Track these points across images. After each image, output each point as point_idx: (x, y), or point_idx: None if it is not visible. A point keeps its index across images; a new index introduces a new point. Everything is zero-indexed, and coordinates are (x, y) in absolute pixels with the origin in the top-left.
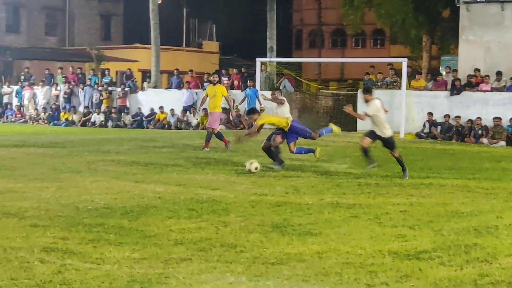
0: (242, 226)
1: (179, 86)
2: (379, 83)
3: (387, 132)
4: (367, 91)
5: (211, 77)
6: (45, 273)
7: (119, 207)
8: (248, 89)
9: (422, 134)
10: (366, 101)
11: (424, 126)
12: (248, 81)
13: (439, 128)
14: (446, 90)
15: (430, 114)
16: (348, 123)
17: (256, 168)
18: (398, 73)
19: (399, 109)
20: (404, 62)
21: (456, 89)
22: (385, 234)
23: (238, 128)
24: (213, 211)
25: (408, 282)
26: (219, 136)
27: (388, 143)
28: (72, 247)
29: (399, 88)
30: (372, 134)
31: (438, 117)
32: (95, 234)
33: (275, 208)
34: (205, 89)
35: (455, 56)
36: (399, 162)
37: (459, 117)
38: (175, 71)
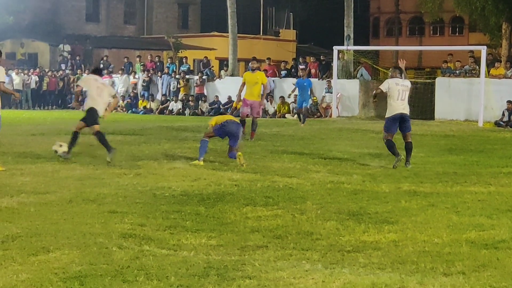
0: (319, 214)
1: None
2: (457, 71)
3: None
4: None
5: (250, 63)
6: (123, 258)
7: (196, 194)
8: (301, 79)
9: (501, 122)
10: None
11: (503, 114)
12: (301, 71)
13: None
14: None
15: (509, 102)
16: (426, 111)
17: (57, 152)
18: (477, 61)
19: (477, 98)
20: (483, 50)
21: None
22: (462, 223)
23: (315, 117)
24: (289, 198)
25: (485, 271)
26: (243, 124)
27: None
28: (150, 234)
29: (478, 76)
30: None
31: None
32: (172, 220)
33: (352, 196)
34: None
35: None
36: (102, 143)
37: None
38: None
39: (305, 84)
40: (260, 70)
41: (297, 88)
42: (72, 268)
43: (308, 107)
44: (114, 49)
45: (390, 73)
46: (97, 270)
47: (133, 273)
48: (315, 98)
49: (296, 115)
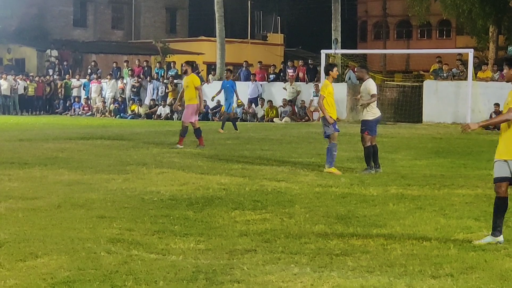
0: (307, 217)
1: (248, 79)
2: (445, 74)
3: None
4: None
5: (183, 67)
6: (112, 263)
7: (184, 198)
8: (225, 81)
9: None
10: None
11: (490, 117)
12: (226, 72)
13: None
14: None
15: (496, 105)
16: (413, 115)
17: None
18: (465, 64)
19: (465, 100)
20: (470, 52)
21: None
22: (450, 226)
23: (303, 120)
24: (278, 202)
25: (473, 273)
26: (198, 133)
27: None
28: (138, 238)
29: (465, 79)
30: None
31: None
32: (160, 225)
33: (340, 200)
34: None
35: None
36: None
37: None
38: (244, 63)
39: (228, 85)
40: (193, 73)
41: (222, 90)
42: (60, 273)
43: (233, 111)
44: (102, 54)
45: (359, 74)
46: (86, 275)
47: (121, 278)
48: (239, 101)
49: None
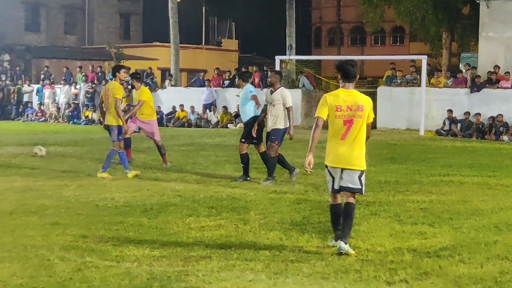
0: (262, 223)
1: (203, 85)
2: (399, 81)
3: None
4: None
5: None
6: (65, 270)
7: (138, 205)
8: None
9: (442, 131)
10: None
11: (444, 123)
12: None
13: (459, 125)
14: (466, 87)
15: (450, 111)
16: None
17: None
18: (418, 70)
19: (418, 107)
20: (424, 59)
21: (476, 86)
22: (405, 232)
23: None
24: (232, 209)
25: (427, 279)
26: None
27: None
28: (92, 245)
29: (419, 85)
30: None
31: (458, 115)
32: (114, 232)
33: (295, 206)
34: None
35: (475, 53)
36: None
37: (479, 114)
38: (202, 73)
39: None
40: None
41: None
42: (13, 281)
43: None
44: (55, 59)
45: (271, 79)
46: (39, 283)
47: (75, 285)
48: None
49: None
